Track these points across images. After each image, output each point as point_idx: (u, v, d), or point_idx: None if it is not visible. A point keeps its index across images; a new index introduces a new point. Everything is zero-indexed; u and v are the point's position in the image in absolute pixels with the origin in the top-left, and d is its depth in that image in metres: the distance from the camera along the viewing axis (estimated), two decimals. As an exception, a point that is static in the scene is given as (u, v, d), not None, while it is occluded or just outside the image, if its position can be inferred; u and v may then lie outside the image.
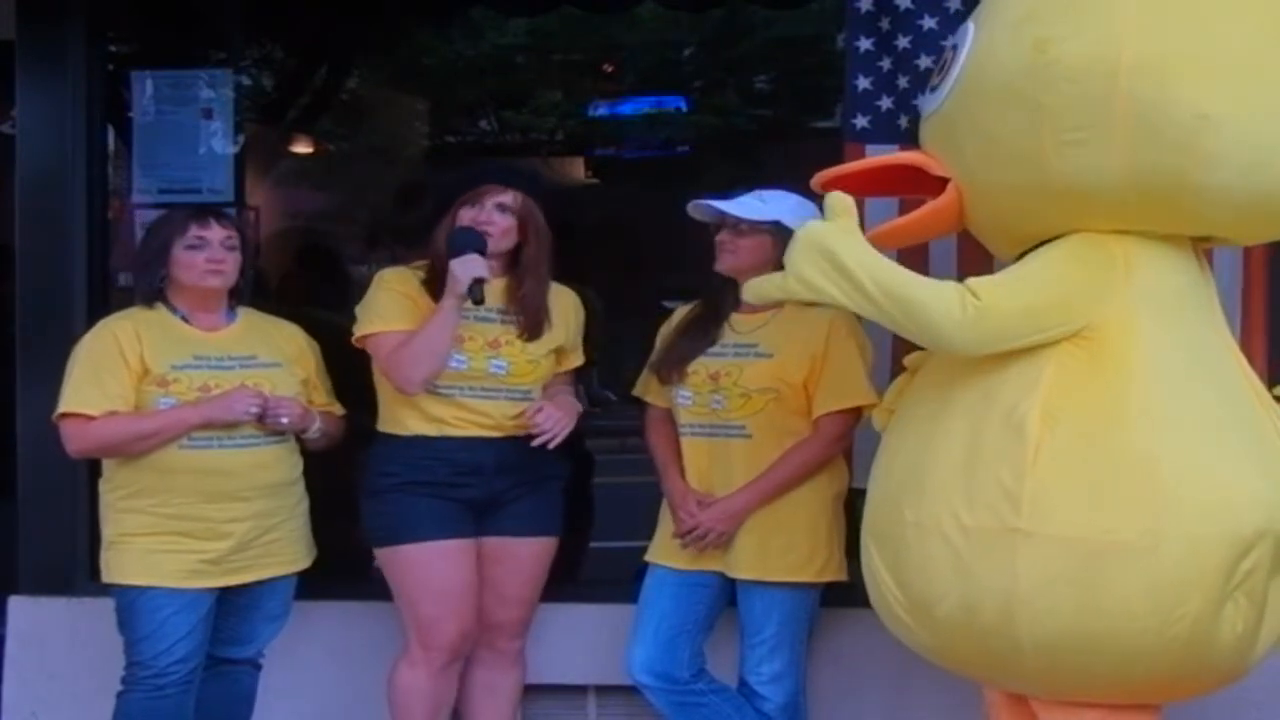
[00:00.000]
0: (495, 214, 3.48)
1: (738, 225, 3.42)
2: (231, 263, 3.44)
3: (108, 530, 3.45)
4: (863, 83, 3.70)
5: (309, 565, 3.57)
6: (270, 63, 5.83)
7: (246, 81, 5.25)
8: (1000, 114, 2.85)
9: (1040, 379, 2.78)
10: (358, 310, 3.53)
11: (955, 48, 3.00)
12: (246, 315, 3.55)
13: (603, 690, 3.97)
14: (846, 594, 3.53)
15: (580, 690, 4.00)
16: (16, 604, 4.09)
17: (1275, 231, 3.09)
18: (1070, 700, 2.87)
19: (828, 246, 2.76)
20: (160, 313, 3.44)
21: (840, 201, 2.81)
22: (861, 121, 3.68)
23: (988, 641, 2.80)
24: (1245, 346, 3.61)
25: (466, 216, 3.47)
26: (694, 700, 3.50)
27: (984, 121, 2.89)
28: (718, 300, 3.56)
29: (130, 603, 3.38)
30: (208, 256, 3.40)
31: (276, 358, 3.50)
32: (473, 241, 3.42)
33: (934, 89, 3.04)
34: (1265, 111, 2.76)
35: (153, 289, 3.44)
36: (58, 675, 4.05)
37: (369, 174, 6.30)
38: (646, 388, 3.66)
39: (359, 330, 3.50)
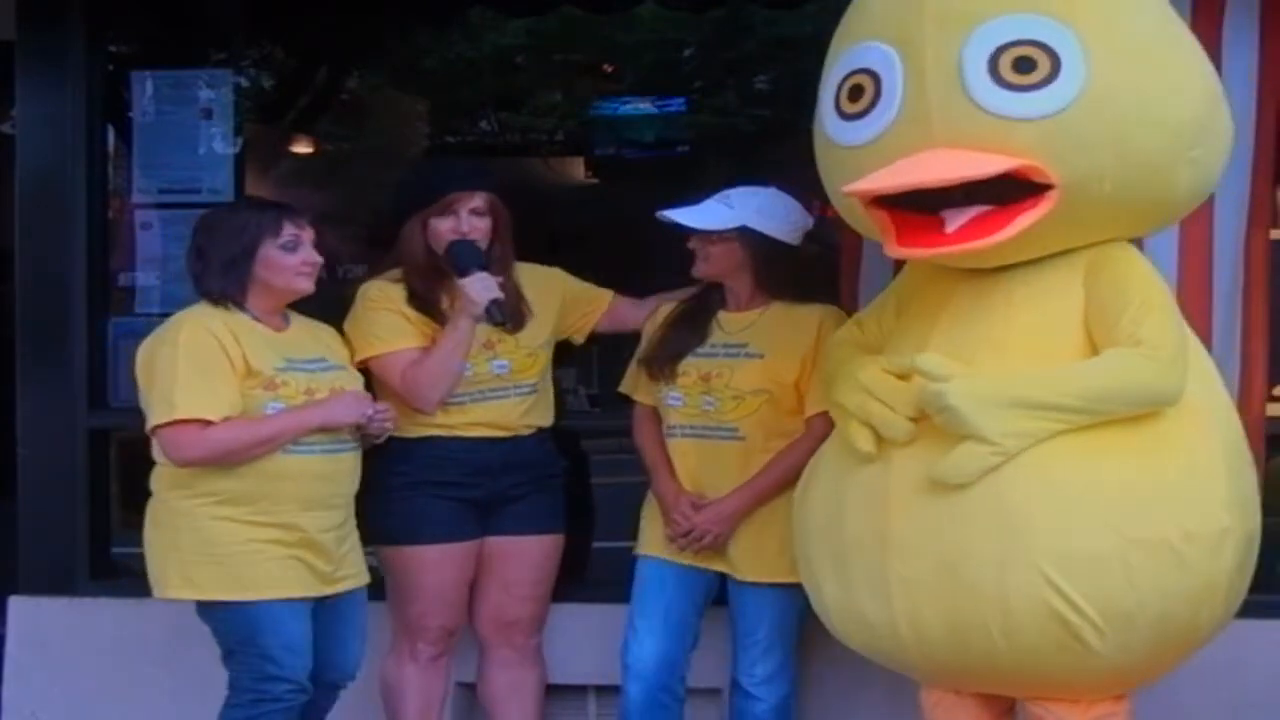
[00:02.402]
0: (473, 220, 3.46)
1: (707, 234, 3.42)
2: (319, 263, 3.32)
3: (187, 540, 3.22)
4: (863, 83, 3.68)
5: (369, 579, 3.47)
6: (270, 63, 5.82)
7: (246, 81, 5.24)
8: (1141, 130, 2.84)
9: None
10: (347, 327, 3.51)
11: (1046, 48, 2.79)
12: (294, 317, 3.41)
13: (603, 690, 3.98)
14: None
15: (580, 690, 4.01)
16: (16, 604, 4.10)
17: None
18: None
19: (1003, 394, 2.80)
20: (234, 312, 3.26)
21: (936, 363, 2.83)
22: (861, 122, 3.66)
23: (1170, 644, 2.89)
24: (1245, 347, 3.63)
25: (445, 228, 3.45)
26: (671, 702, 3.53)
27: (1127, 136, 2.83)
28: (706, 297, 3.55)
29: (255, 617, 3.20)
30: (303, 258, 3.27)
31: (339, 360, 3.41)
32: (475, 257, 3.40)
33: (1018, 88, 2.79)
34: None
35: (238, 288, 3.25)
36: (58, 675, 4.05)
37: (369, 174, 6.29)
38: (635, 385, 3.64)
39: (363, 352, 3.47)
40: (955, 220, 2.88)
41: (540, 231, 3.67)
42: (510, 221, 3.55)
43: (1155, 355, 2.81)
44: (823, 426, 3.41)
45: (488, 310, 3.33)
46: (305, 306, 3.46)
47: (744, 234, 3.42)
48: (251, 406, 3.20)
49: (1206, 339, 3.45)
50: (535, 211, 3.66)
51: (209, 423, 3.14)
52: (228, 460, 3.18)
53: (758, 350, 3.46)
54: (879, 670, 3.71)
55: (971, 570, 2.80)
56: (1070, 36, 2.79)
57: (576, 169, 6.54)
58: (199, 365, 3.16)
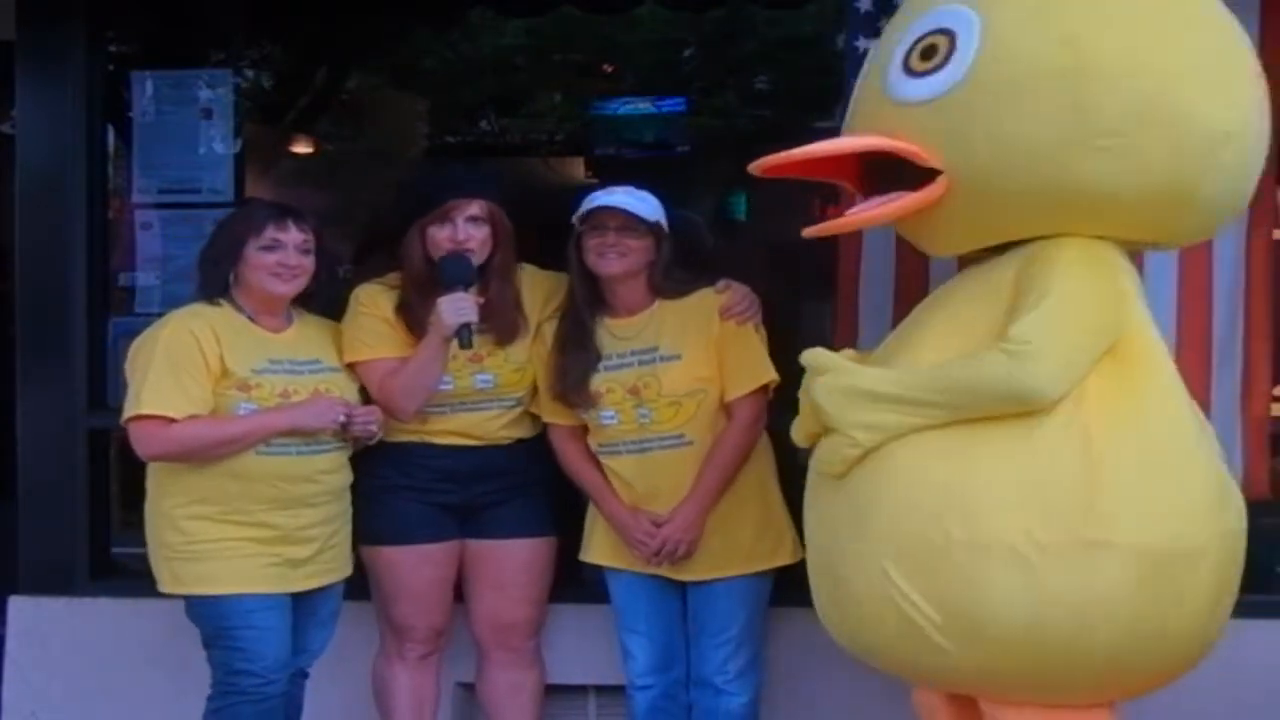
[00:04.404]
0: (470, 229, 3.41)
1: (637, 226, 3.35)
2: (304, 268, 3.33)
3: (171, 538, 3.30)
4: (862, 83, 3.69)
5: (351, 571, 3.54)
6: (270, 63, 5.83)
7: (246, 82, 5.25)
8: (1023, 112, 2.76)
9: (1085, 390, 2.74)
10: (343, 327, 3.52)
11: (950, 33, 2.84)
12: (300, 315, 3.45)
13: (603, 690, 3.98)
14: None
15: (580, 690, 4.01)
16: (16, 604, 4.09)
17: (1208, 235, 3.21)
18: (1073, 703, 2.85)
19: (857, 386, 2.84)
20: (227, 311, 3.33)
21: (819, 358, 2.91)
22: (861, 121, 3.66)
23: (1051, 655, 2.73)
24: (1247, 348, 3.62)
25: (442, 236, 3.41)
26: (676, 708, 3.52)
27: (1001, 118, 2.77)
28: (577, 312, 3.46)
29: (227, 611, 3.27)
30: (279, 260, 3.30)
31: (336, 362, 3.44)
32: (463, 274, 3.36)
33: (918, 74, 2.87)
34: (1259, 131, 2.89)
35: (219, 285, 3.33)
36: (58, 675, 4.05)
37: (369, 174, 6.29)
38: (544, 408, 3.55)
39: (347, 356, 3.47)
40: (866, 202, 2.98)
41: (539, 232, 3.65)
42: (512, 230, 3.49)
43: (1014, 351, 2.70)
44: (745, 410, 3.39)
45: (458, 333, 3.31)
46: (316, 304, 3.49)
47: (655, 229, 3.39)
48: (224, 406, 3.25)
49: (1207, 339, 3.45)
50: (535, 212, 3.64)
51: (173, 420, 3.20)
52: (191, 458, 3.25)
53: (672, 351, 3.40)
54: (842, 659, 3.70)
55: (836, 558, 2.91)
56: (974, 22, 2.82)
57: (576, 169, 6.54)
58: (171, 363, 3.22)
